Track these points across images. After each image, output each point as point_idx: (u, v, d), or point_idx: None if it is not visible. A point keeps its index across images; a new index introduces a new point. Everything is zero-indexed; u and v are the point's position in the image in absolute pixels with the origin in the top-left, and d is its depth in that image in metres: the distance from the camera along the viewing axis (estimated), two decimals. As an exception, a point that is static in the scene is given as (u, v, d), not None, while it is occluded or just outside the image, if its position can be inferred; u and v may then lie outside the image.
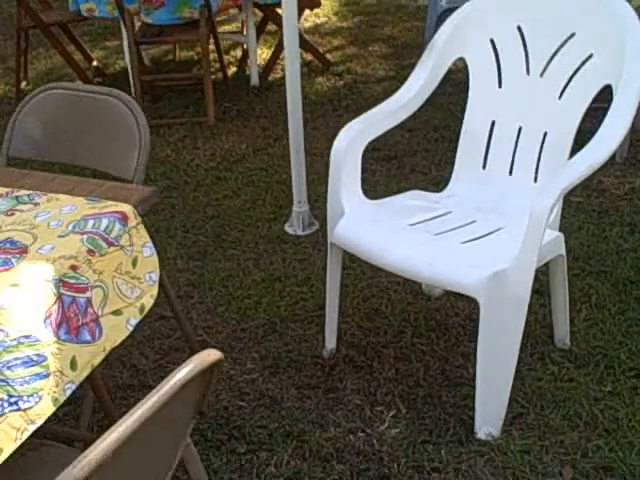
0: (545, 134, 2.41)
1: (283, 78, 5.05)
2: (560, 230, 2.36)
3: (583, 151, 2.16)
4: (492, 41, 2.52)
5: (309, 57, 5.32)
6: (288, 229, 3.35)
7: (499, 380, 2.13)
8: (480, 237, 2.29)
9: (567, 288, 2.39)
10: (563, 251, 2.33)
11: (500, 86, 2.52)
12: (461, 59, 2.60)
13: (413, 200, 2.57)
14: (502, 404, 2.14)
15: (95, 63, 5.42)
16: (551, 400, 2.25)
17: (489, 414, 2.14)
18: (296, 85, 3.23)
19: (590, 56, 2.32)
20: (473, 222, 2.39)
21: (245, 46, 5.26)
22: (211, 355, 1.25)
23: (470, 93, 2.58)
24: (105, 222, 1.82)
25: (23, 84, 5.21)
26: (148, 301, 1.90)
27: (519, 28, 2.47)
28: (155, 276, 1.95)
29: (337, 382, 2.42)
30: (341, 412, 2.29)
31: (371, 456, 2.11)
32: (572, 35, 2.37)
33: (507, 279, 2.05)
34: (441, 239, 2.27)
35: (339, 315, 2.60)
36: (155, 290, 1.93)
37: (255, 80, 4.99)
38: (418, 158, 3.86)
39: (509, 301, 2.08)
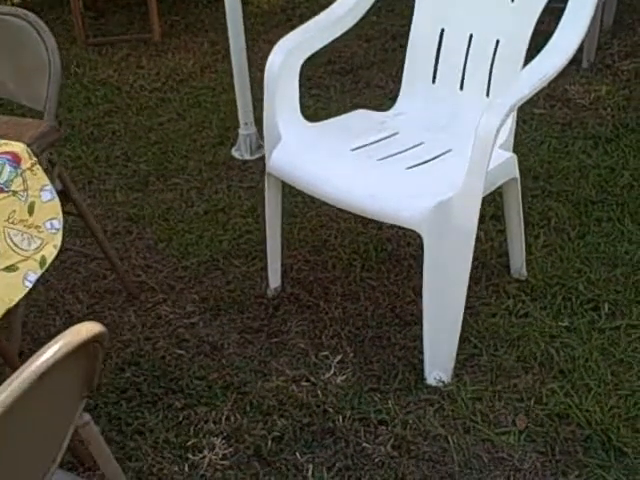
0: (497, 42, 2.19)
1: (235, -15, 4.78)
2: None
3: (535, 61, 1.96)
4: None
5: (261, -39, 5.00)
6: (235, 153, 3.15)
7: (447, 322, 1.98)
8: (426, 161, 2.09)
9: (522, 215, 2.23)
10: (516, 174, 2.14)
11: None
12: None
13: (357, 121, 2.37)
14: (452, 347, 2.00)
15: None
16: (505, 339, 2.11)
17: (439, 358, 2.00)
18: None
19: None
20: (421, 144, 2.19)
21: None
22: (84, 331, 1.07)
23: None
24: None
25: (-42, 2, 4.88)
26: (50, 252, 1.68)
27: None
28: (58, 223, 1.72)
29: (281, 324, 2.27)
30: (285, 359, 2.15)
31: (315, 408, 1.97)
32: None
33: (451, 210, 1.88)
34: (384, 165, 2.08)
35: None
36: (59, 239, 1.71)
37: (204, -11, 4.69)
38: (374, 71, 3.63)
39: (454, 234, 1.91)
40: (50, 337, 2.32)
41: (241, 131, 3.14)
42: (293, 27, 4.11)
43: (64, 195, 2.16)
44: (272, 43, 3.94)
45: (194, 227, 2.72)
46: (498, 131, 1.81)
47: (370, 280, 2.38)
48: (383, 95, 3.38)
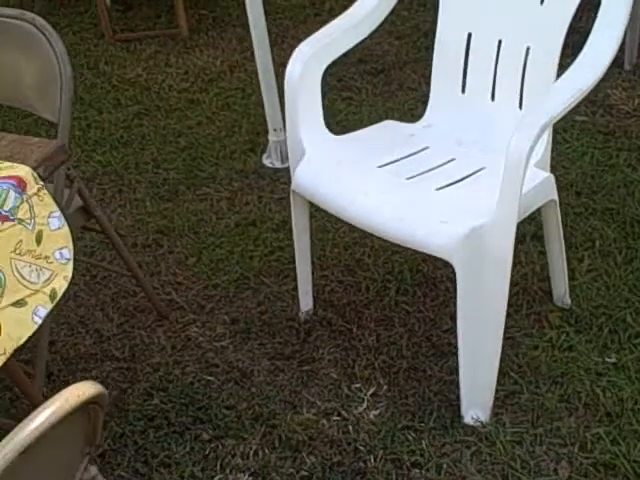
0: (528, 49, 2.09)
1: (264, -24, 4.68)
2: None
3: (568, 72, 1.84)
4: None
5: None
6: (265, 161, 3.08)
7: (485, 356, 1.91)
8: (458, 181, 1.99)
9: (562, 238, 2.13)
10: (555, 196, 2.03)
11: None
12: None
13: (385, 134, 2.27)
14: (490, 383, 1.92)
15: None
16: (547, 375, 2.03)
17: (476, 395, 1.93)
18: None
19: None
20: (452, 160, 2.08)
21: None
22: (79, 394, 1.02)
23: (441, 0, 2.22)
24: None
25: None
26: (61, 285, 1.60)
27: None
28: (68, 252, 1.63)
29: (313, 351, 2.20)
30: (316, 389, 2.09)
31: (345, 446, 1.91)
32: None
33: (484, 237, 1.78)
34: (413, 185, 1.98)
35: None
36: (69, 270, 1.63)
37: (233, -19, 4.59)
38: (407, 71, 3.53)
39: (488, 263, 1.81)
40: (80, 357, 2.29)
41: (271, 137, 3.07)
42: (322, 22, 3.99)
43: (85, 211, 2.11)
44: (300, 40, 3.86)
45: (224, 241, 2.66)
46: (530, 153, 1.71)
47: (405, 305, 2.31)
48: (416, 98, 3.28)
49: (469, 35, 2.19)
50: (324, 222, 2.63)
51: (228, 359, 2.22)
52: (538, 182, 1.95)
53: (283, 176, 2.97)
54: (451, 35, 2.23)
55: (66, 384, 2.20)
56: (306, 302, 2.32)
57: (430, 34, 3.75)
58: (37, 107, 2.04)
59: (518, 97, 2.12)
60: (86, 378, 2.22)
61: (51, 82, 1.94)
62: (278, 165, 3.04)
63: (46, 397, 2.13)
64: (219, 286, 2.48)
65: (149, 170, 3.09)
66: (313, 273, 2.34)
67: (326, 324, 2.29)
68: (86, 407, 1.05)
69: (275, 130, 3.05)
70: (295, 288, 2.35)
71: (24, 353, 2.16)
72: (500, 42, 2.15)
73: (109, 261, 2.62)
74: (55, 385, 2.20)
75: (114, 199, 2.94)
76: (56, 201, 1.93)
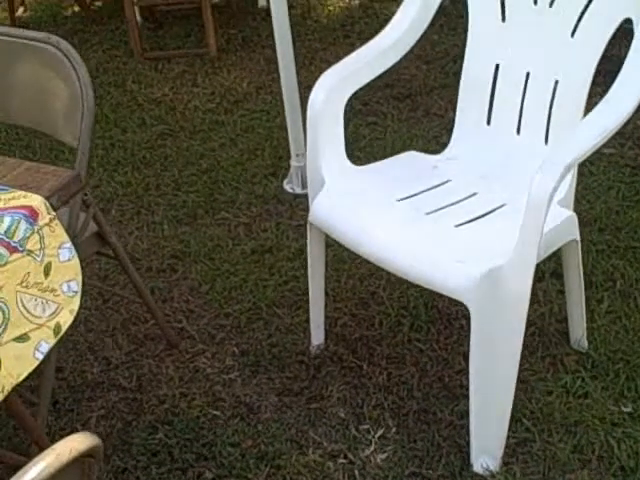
0: (557, 82, 2.03)
1: (295, -4, 4.66)
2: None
3: (596, 110, 1.79)
4: None
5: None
6: (286, 186, 3.04)
7: (497, 402, 1.84)
8: (478, 217, 1.94)
9: (582, 278, 2.06)
10: (577, 235, 1.97)
11: (504, 20, 2.12)
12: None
13: (407, 165, 2.22)
14: (501, 430, 1.86)
15: (95, -17, 5.03)
16: (561, 423, 1.96)
17: (487, 441, 1.87)
18: (282, 15, 2.76)
19: None
20: (473, 195, 2.04)
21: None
22: (72, 449, 0.97)
23: (469, 28, 2.18)
24: (7, 222, 1.48)
25: (20, 10, 4.87)
26: (66, 319, 1.57)
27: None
28: (76, 285, 1.61)
29: (322, 388, 2.15)
30: (323, 429, 2.04)
31: (350, 492, 1.86)
32: None
33: (501, 279, 1.72)
34: (432, 220, 1.93)
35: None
36: (76, 303, 1.60)
37: (263, 1, 4.56)
38: (434, 97, 3.48)
39: (504, 306, 1.75)
40: (87, 385, 2.26)
41: (293, 162, 3.03)
42: (351, 44, 4.03)
43: (100, 237, 2.09)
44: (329, 62, 3.83)
45: (239, 269, 2.63)
46: (553, 193, 1.65)
47: (418, 342, 2.25)
48: (441, 125, 3.23)
49: (497, 66, 2.14)
50: (341, 252, 2.58)
51: (235, 393, 2.18)
52: (560, 221, 1.90)
53: (303, 202, 2.92)
54: (478, 65, 2.19)
55: (71, 413, 2.19)
56: (317, 336, 2.28)
57: (459, 59, 3.70)
58: (59, 131, 2.02)
59: (544, 132, 2.07)
60: (91, 408, 2.19)
61: (74, 107, 1.93)
62: (299, 191, 3.00)
63: (50, 426, 2.12)
64: (231, 315, 2.45)
65: (169, 192, 3.07)
66: (326, 305, 2.29)
67: (337, 359, 2.24)
68: (80, 460, 1.01)
69: (297, 155, 3.01)
70: (307, 320, 2.31)
71: (30, 379, 2.13)
72: (528, 74, 2.10)
73: (122, 286, 2.60)
74: (60, 414, 2.17)
75: (132, 221, 2.92)
76: (70, 226, 1.93)
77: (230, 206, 2.95)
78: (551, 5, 2.03)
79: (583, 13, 1.96)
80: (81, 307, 1.62)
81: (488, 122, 2.19)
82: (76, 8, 4.84)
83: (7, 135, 3.47)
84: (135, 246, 2.78)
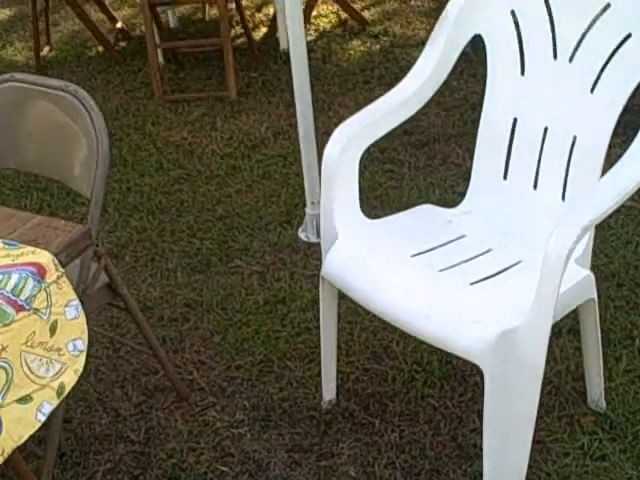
0: (575, 138, 2.00)
1: (316, 40, 4.68)
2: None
3: (616, 169, 1.76)
4: (513, 13, 2.09)
5: (345, 15, 4.88)
6: (301, 235, 3.02)
7: (511, 465, 1.81)
8: (493, 275, 1.91)
9: (600, 337, 2.01)
10: (594, 294, 1.93)
11: (523, 73, 2.10)
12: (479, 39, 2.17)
13: (422, 219, 2.20)
14: (515, 498, 1.80)
15: (119, 25, 5.07)
16: (576, 489, 1.91)
17: (499, 509, 1.81)
18: (301, 60, 2.77)
19: (628, 36, 1.89)
20: (488, 251, 2.01)
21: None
22: None
23: (488, 81, 2.17)
24: (15, 279, 1.47)
25: (45, 50, 4.93)
26: (70, 379, 1.55)
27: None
28: (82, 344, 1.59)
29: (333, 445, 2.11)
30: (332, 488, 1.99)
31: None
32: (606, 7, 1.92)
33: (516, 341, 1.69)
34: (446, 277, 1.90)
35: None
36: (81, 363, 1.58)
37: (284, 44, 4.58)
38: (452, 145, 3.45)
39: (518, 368, 1.72)
40: (94, 437, 2.23)
41: (308, 210, 3.01)
42: (370, 90, 4.02)
43: (111, 288, 2.07)
44: (347, 107, 3.88)
45: (252, 319, 2.60)
46: (570, 254, 1.62)
47: (431, 399, 2.21)
48: (458, 174, 3.20)
49: (515, 119, 2.12)
50: (354, 304, 2.53)
51: (244, 448, 2.14)
52: (577, 281, 1.87)
53: (317, 251, 2.90)
54: (496, 118, 2.17)
55: (77, 466, 2.16)
56: (329, 391, 2.24)
57: (478, 107, 3.68)
58: (74, 181, 2.02)
59: (561, 188, 2.04)
60: (98, 461, 2.17)
61: (89, 156, 1.92)
62: (313, 239, 2.98)
63: (55, 480, 2.08)
64: (242, 367, 2.41)
65: (184, 238, 3.06)
66: (339, 359, 2.26)
67: (348, 416, 2.19)
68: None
69: (313, 203, 3.00)
70: (319, 374, 2.27)
71: (37, 431, 2.11)
72: (546, 129, 2.07)
73: (133, 334, 2.58)
74: (66, 467, 2.15)
75: (145, 268, 2.91)
76: (81, 278, 1.91)
77: (244, 254, 2.94)
78: (571, 60, 2.01)
79: (603, 68, 1.94)
80: (90, 357, 1.60)
81: (505, 176, 2.16)
82: (100, 48, 4.89)
83: (25, 177, 3.48)
84: (148, 294, 2.77)
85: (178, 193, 3.37)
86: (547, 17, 2.04)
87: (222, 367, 2.43)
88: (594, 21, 1.97)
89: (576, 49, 2.00)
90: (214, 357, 2.48)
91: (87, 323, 1.64)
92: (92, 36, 4.84)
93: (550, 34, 2.05)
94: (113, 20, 5.06)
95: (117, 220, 3.20)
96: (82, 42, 5.07)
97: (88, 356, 1.62)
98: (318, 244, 2.93)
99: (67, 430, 2.26)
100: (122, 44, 4.99)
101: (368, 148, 2.08)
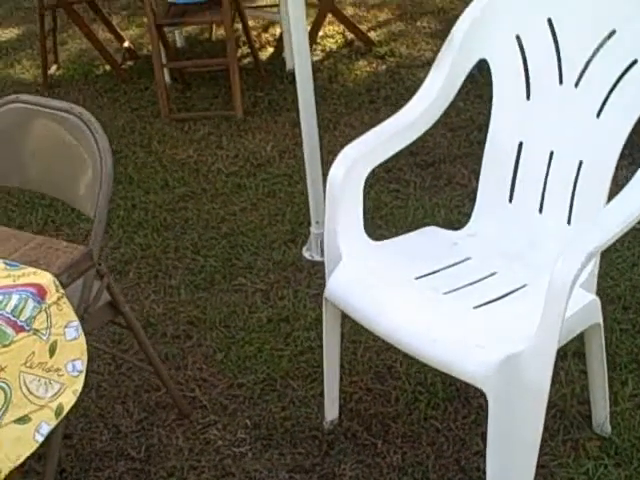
0: (581, 163, 2.00)
1: (323, 61, 4.69)
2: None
3: (622, 195, 1.75)
4: (518, 38, 2.09)
5: (351, 36, 4.90)
6: (305, 253, 3.01)
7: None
8: (498, 298, 1.90)
9: (605, 361, 2.00)
10: (599, 319, 1.92)
11: (529, 97, 2.10)
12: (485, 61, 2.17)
13: (426, 241, 2.19)
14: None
15: (126, 44, 5.09)
16: (580, 514, 1.88)
17: (502, 533, 1.79)
18: (307, 79, 2.78)
19: (634, 62, 1.89)
20: (493, 274, 2.00)
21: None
22: None
23: (494, 105, 2.17)
24: (15, 299, 1.47)
25: (53, 68, 4.94)
26: (69, 400, 1.55)
27: (550, 21, 2.03)
28: (81, 364, 1.59)
29: (334, 466, 2.09)
30: (333, 510, 1.97)
31: None
32: (612, 33, 1.92)
33: (520, 366, 1.68)
34: (450, 301, 1.89)
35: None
36: (80, 383, 1.57)
37: (291, 64, 4.59)
38: (457, 165, 3.45)
39: (523, 393, 1.70)
40: (95, 454, 2.21)
41: (312, 229, 3.01)
42: (376, 110, 4.03)
43: (113, 306, 2.07)
44: (353, 127, 3.88)
45: (254, 337, 2.59)
46: (575, 280, 1.61)
47: (434, 420, 2.19)
48: (464, 195, 3.20)
49: (520, 143, 2.11)
50: (358, 323, 2.53)
51: (245, 468, 2.12)
52: (582, 306, 1.85)
53: (321, 270, 2.87)
54: (502, 142, 2.17)
55: (77, 483, 2.13)
56: (332, 411, 2.22)
57: (484, 128, 3.69)
58: (78, 201, 2.02)
59: (567, 212, 2.03)
60: (98, 478, 2.15)
61: (94, 177, 1.92)
62: (317, 258, 2.97)
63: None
64: (244, 386, 2.40)
65: (188, 256, 3.05)
66: (342, 379, 2.25)
67: (350, 436, 2.18)
68: None
69: (317, 222, 2.99)
70: (322, 393, 2.25)
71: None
72: (552, 153, 2.06)
73: (136, 350, 2.56)
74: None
75: (149, 284, 2.90)
76: (83, 296, 1.90)
77: (248, 272, 2.93)
78: (577, 85, 2.01)
79: (610, 94, 1.94)
80: (91, 372, 1.59)
81: (510, 199, 2.16)
82: (107, 67, 4.90)
83: (30, 194, 3.48)
84: (151, 310, 2.76)
85: (183, 211, 3.37)
86: (552, 42, 2.04)
87: (224, 385, 2.41)
88: (600, 47, 1.97)
89: (582, 74, 2.00)
90: (216, 375, 2.46)
91: (88, 342, 1.63)
92: (99, 55, 4.86)
93: (556, 59, 2.05)
94: (120, 39, 5.09)
95: (121, 237, 3.20)
96: (89, 61, 5.09)
97: (89, 372, 1.62)
98: (322, 263, 2.91)
99: (67, 446, 2.24)
100: (129, 63, 5.00)
101: (373, 168, 2.07)
